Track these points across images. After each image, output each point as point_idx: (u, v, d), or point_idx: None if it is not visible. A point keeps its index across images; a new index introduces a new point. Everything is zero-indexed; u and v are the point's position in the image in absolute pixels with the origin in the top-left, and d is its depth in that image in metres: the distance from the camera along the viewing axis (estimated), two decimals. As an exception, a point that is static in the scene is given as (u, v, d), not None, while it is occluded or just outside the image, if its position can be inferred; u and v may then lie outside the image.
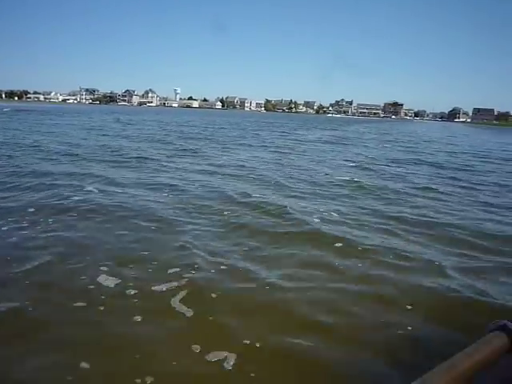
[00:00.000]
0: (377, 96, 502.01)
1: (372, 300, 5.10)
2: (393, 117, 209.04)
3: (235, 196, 10.27)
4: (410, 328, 4.50)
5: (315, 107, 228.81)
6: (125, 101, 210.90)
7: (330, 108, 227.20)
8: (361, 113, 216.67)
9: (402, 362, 3.99)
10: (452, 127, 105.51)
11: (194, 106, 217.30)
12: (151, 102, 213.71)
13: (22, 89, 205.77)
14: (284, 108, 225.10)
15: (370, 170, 16.42)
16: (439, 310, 4.92)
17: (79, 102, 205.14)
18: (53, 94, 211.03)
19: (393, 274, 5.85)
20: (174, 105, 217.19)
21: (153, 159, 16.32)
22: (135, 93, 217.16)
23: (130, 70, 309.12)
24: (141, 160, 15.97)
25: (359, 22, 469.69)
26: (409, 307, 4.92)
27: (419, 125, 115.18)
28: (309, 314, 4.70)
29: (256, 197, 10.24)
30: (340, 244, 6.99)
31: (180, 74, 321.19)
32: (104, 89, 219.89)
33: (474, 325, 4.08)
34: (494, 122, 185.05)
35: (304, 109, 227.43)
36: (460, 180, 15.13)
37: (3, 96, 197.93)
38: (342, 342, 4.22)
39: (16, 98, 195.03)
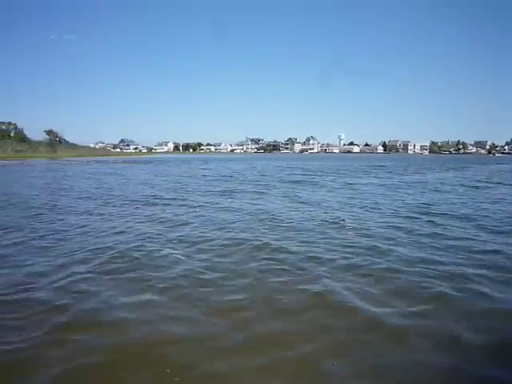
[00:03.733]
0: None
1: None
2: None
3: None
4: None
5: (487, 147, 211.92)
6: (287, 148, 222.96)
7: (505, 147, 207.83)
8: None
9: None
10: None
11: (354, 151, 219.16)
12: (312, 149, 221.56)
13: (196, 141, 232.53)
14: (451, 149, 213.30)
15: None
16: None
17: (245, 151, 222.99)
18: (222, 145, 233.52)
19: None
20: (334, 150, 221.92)
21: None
22: (297, 140, 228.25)
23: (293, 119, 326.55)
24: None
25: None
26: None
27: None
28: None
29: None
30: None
31: (343, 120, 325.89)
32: (268, 138, 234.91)
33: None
34: None
35: (474, 149, 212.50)
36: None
37: (180, 148, 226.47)
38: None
39: (191, 150, 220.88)
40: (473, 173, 42.88)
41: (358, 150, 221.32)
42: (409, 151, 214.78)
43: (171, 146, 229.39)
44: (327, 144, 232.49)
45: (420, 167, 55.69)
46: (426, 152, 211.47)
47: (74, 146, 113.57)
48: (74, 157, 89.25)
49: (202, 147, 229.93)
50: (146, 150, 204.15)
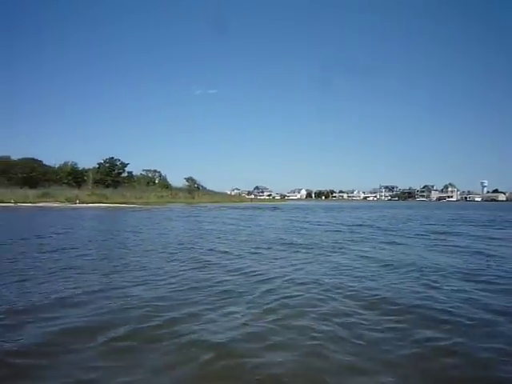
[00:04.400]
0: None
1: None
2: None
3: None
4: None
5: None
6: (423, 196, 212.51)
7: None
8: None
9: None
10: None
11: (499, 199, 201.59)
12: (451, 197, 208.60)
13: (329, 188, 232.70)
14: None
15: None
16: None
17: (378, 198, 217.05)
18: (355, 192, 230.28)
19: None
20: (476, 199, 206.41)
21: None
22: (434, 188, 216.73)
23: (430, 165, 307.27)
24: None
25: None
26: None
27: None
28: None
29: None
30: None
31: (486, 165, 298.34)
32: (403, 185, 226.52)
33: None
34: None
35: None
36: None
37: (313, 195, 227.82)
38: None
39: (323, 198, 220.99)
40: None
41: (504, 198, 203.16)
42: None
43: (304, 193, 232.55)
44: (468, 191, 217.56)
45: None
46: None
47: (210, 192, 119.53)
48: (210, 203, 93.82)
49: (335, 194, 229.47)
50: (279, 197, 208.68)
